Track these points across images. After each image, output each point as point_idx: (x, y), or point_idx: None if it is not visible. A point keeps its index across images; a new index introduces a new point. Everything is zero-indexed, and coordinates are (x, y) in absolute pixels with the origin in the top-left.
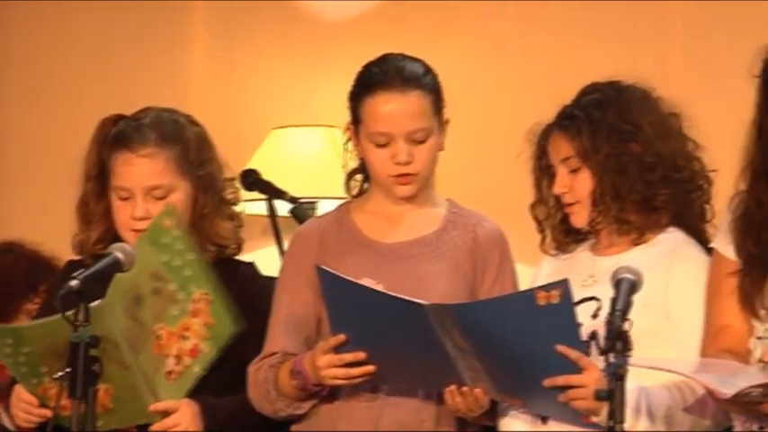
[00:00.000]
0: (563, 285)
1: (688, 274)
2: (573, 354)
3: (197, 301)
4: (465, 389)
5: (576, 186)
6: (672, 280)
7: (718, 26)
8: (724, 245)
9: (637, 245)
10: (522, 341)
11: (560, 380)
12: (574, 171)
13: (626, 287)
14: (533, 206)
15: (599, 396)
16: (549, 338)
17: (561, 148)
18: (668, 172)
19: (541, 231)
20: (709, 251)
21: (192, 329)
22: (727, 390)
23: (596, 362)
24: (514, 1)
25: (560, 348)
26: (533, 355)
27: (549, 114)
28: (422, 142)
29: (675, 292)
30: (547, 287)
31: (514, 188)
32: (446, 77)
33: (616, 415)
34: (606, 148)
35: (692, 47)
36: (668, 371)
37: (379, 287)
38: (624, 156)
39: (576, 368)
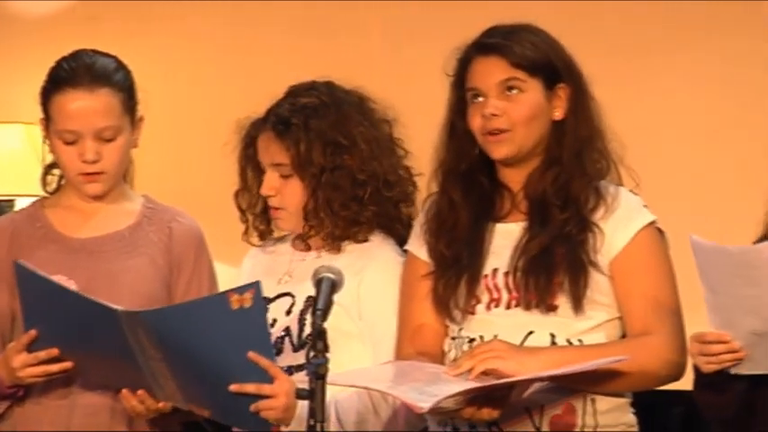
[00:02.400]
0: (255, 288)
1: (381, 276)
2: (264, 362)
3: None
4: (140, 392)
5: (286, 193)
6: (365, 281)
7: (415, 27)
8: (417, 247)
9: (324, 250)
10: (214, 346)
11: (250, 387)
12: (285, 177)
13: (327, 286)
14: (237, 194)
15: (300, 395)
16: (241, 344)
17: (274, 153)
18: (379, 189)
19: (245, 221)
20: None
21: None
22: (425, 403)
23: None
24: (209, 1)
25: (252, 356)
26: (226, 362)
27: (247, 112)
28: (110, 140)
29: (368, 293)
30: (240, 289)
31: (216, 185)
32: (143, 75)
33: (317, 414)
34: (321, 160)
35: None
36: (365, 388)
37: (71, 284)
38: (338, 170)
39: (268, 377)
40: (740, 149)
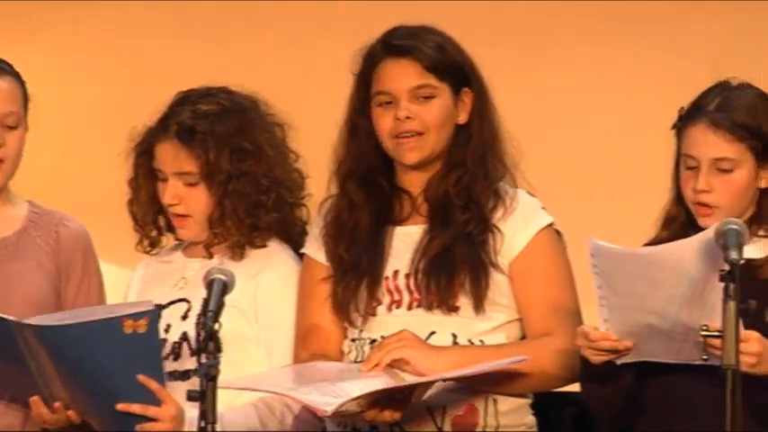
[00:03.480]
0: (151, 315)
1: (278, 281)
2: (153, 385)
3: None
4: (56, 404)
5: (191, 201)
6: (261, 285)
7: (310, 27)
8: (315, 250)
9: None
10: (105, 366)
11: (136, 407)
12: (190, 185)
13: (218, 288)
14: (130, 203)
15: (191, 396)
16: (132, 366)
17: (182, 162)
18: (281, 194)
19: (138, 230)
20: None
21: None
22: (329, 407)
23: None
24: (102, 3)
25: (141, 378)
26: (116, 381)
27: (137, 115)
28: (13, 128)
29: (265, 298)
30: (135, 315)
31: (105, 186)
32: (33, 80)
33: (208, 415)
34: (228, 167)
35: (285, 49)
36: (265, 391)
37: None
38: (244, 176)
39: (156, 399)
40: (636, 150)
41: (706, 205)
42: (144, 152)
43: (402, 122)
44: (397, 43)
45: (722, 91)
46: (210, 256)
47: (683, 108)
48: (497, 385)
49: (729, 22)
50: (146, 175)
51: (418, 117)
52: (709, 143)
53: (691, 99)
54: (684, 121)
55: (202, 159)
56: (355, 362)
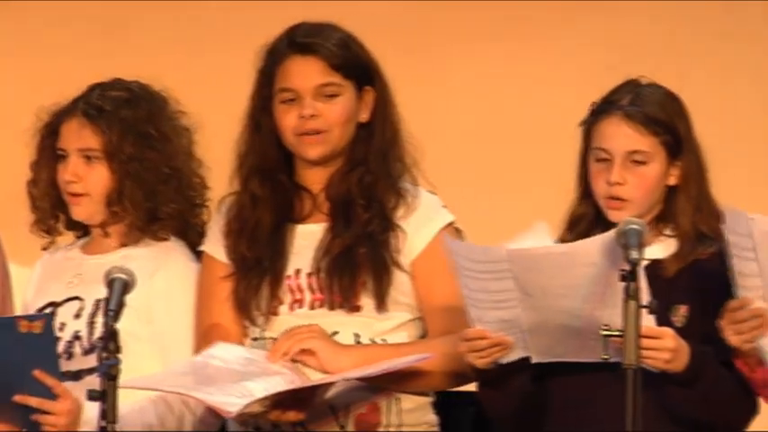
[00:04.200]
0: (45, 318)
1: (173, 280)
2: (49, 380)
3: None
4: None
5: (90, 179)
6: (156, 285)
7: (210, 29)
8: (215, 248)
9: (123, 245)
10: (2, 361)
11: (33, 401)
12: (90, 162)
13: (119, 287)
14: (30, 184)
15: (91, 396)
16: (28, 363)
17: (85, 137)
18: (181, 187)
19: (35, 210)
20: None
21: None
22: (233, 408)
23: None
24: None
25: (38, 374)
26: (13, 376)
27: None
28: None
29: (159, 297)
30: (30, 317)
31: (9, 189)
32: None
33: (108, 414)
34: (131, 149)
35: (186, 49)
36: (168, 391)
37: None
38: (146, 161)
39: (52, 394)
40: (538, 148)
41: (618, 198)
42: (50, 133)
43: (306, 120)
44: (301, 41)
45: (634, 87)
46: (102, 251)
47: (594, 103)
48: (401, 383)
49: (628, 22)
50: (48, 157)
51: (323, 115)
52: (624, 135)
53: (590, 98)
54: (597, 115)
55: (106, 137)
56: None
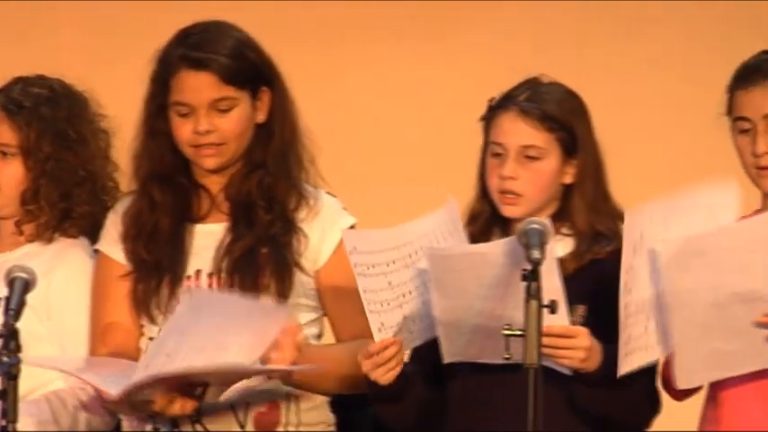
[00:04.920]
0: None
1: (71, 277)
2: None
3: None
4: None
5: (3, 174)
6: (54, 282)
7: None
8: (110, 247)
9: (30, 242)
10: None
11: None
12: (5, 158)
13: (19, 286)
14: None
15: None
16: None
17: (2, 132)
18: (96, 190)
19: None
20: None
21: None
22: (114, 390)
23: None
24: None
25: None
26: None
27: None
28: None
29: (57, 295)
30: None
31: None
32: None
33: (9, 414)
34: (49, 149)
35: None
36: (56, 369)
37: None
38: (62, 162)
39: None
40: (437, 146)
41: (511, 193)
42: None
43: (202, 135)
44: (194, 55)
45: (532, 85)
46: (13, 247)
47: (492, 99)
48: (313, 386)
49: (529, 22)
50: None
51: (218, 129)
52: (519, 130)
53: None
54: (494, 110)
55: (24, 133)
56: None
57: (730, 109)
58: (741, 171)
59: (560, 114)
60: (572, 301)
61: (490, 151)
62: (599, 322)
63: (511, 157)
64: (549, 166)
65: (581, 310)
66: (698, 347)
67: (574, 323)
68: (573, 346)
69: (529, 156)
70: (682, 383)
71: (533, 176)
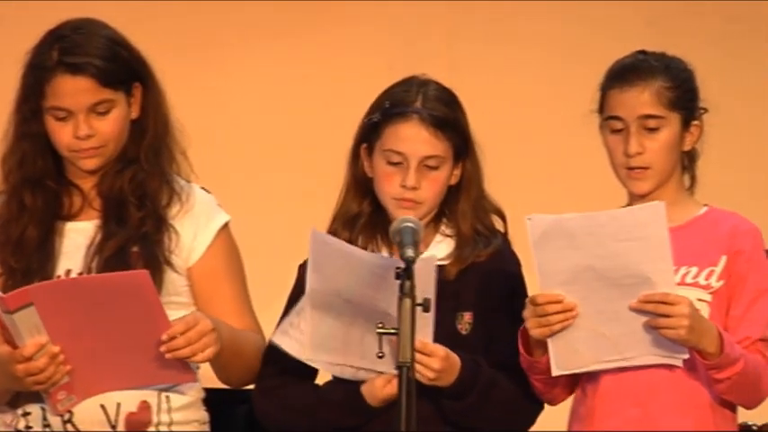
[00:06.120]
0: None
1: None
2: None
3: None
4: None
5: None
6: None
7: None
8: None
9: None
10: None
11: None
12: None
13: None
14: None
15: None
16: None
17: None
18: None
19: None
20: None
21: None
22: None
23: None
24: None
25: None
26: None
27: None
28: None
29: None
30: None
31: None
32: None
33: None
34: None
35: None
36: None
37: None
38: None
39: None
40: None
41: (411, 200)
42: None
43: (82, 140)
44: (70, 60)
45: (419, 86)
46: None
47: (387, 103)
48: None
49: (402, 23)
50: None
51: (98, 132)
52: (421, 140)
53: (370, 96)
54: (391, 117)
55: None
56: None
57: (602, 107)
58: (609, 170)
59: (453, 118)
60: (458, 308)
61: (385, 158)
62: (486, 326)
63: (413, 167)
64: (444, 173)
65: (467, 317)
66: (573, 330)
67: (461, 331)
68: (425, 363)
69: (428, 165)
70: (555, 369)
71: (431, 185)
